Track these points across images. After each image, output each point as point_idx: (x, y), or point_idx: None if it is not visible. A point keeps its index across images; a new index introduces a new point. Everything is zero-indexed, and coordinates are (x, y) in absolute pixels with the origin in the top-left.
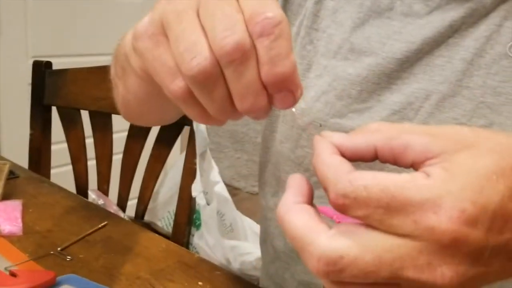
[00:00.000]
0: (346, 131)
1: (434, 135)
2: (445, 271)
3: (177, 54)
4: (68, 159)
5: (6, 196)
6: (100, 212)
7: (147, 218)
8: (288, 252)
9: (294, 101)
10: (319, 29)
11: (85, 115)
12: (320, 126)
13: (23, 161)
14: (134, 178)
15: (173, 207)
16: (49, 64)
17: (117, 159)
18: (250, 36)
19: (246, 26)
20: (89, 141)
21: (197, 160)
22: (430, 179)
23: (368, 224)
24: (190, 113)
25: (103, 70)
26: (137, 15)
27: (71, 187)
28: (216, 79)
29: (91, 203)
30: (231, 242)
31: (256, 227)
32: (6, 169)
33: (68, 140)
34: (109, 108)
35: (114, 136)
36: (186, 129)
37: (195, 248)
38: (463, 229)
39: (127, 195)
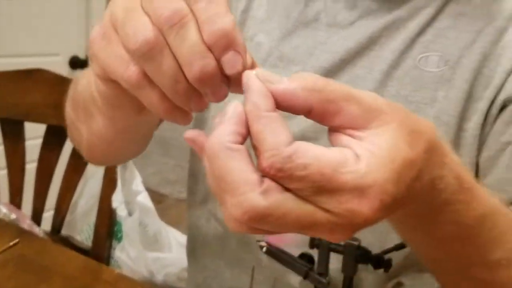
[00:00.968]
0: None
1: (364, 109)
2: (339, 237)
3: (124, 36)
4: None
5: None
6: (12, 229)
7: (64, 231)
8: (217, 260)
9: (242, 62)
10: (247, 38)
11: None
12: None
13: None
14: (50, 189)
15: (92, 219)
16: None
17: (30, 168)
18: (188, 5)
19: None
20: None
21: (118, 169)
22: (361, 164)
23: (295, 193)
24: (149, 100)
25: (16, 75)
26: (58, 17)
27: None
28: (162, 48)
29: (1, 219)
30: (155, 254)
31: (181, 237)
32: None
33: None
34: (21, 115)
35: (27, 143)
36: None
37: (117, 262)
38: (376, 215)
39: (42, 208)
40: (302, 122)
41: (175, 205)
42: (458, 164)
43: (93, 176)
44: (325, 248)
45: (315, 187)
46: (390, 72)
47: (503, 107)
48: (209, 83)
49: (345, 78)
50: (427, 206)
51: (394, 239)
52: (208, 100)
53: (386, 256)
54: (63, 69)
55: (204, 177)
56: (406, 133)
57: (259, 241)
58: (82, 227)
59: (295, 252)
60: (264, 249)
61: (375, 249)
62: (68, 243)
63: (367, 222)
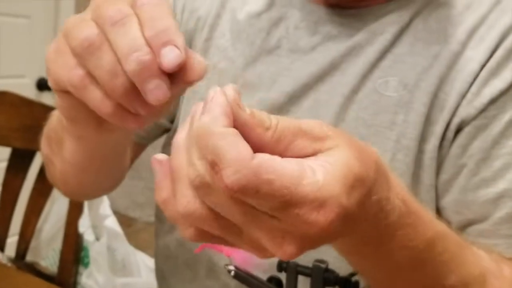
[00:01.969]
0: None
1: (313, 139)
2: (290, 249)
3: (69, 39)
4: None
5: None
6: None
7: (29, 257)
8: (187, 284)
9: (179, 55)
10: (210, 65)
11: None
12: None
13: None
14: (14, 214)
15: (58, 245)
16: None
17: None
18: (133, 8)
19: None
20: None
21: None
22: (318, 176)
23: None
24: (92, 100)
25: None
26: (25, 38)
27: None
28: (101, 43)
29: None
30: (123, 279)
31: (150, 261)
32: None
33: None
34: None
35: None
36: None
37: None
38: (330, 228)
39: (6, 233)
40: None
41: (144, 229)
42: (403, 188)
43: (59, 200)
44: (293, 271)
45: (278, 203)
46: (351, 96)
47: (458, 130)
48: (147, 78)
49: (307, 103)
50: (376, 230)
51: None
52: (149, 101)
53: (354, 278)
54: (30, 91)
55: None
56: (356, 151)
57: (227, 265)
58: (47, 252)
59: (263, 276)
60: (232, 273)
61: (342, 272)
62: (33, 269)
63: (321, 234)
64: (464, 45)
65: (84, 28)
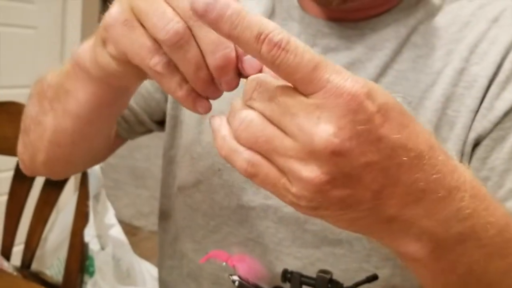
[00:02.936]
0: None
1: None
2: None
3: (152, 26)
4: None
5: None
6: None
7: (34, 266)
8: None
9: (259, 64)
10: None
11: None
12: (219, 170)
13: None
14: (20, 223)
15: (63, 254)
16: None
17: (0, 201)
18: None
19: None
20: None
21: (91, 202)
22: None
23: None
24: (169, 86)
25: None
26: (32, 48)
27: None
28: (189, 38)
29: None
30: None
31: (155, 270)
32: None
33: None
34: None
35: None
36: None
37: None
38: (343, 146)
39: (12, 242)
40: None
41: (149, 238)
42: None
43: (64, 209)
44: (297, 281)
45: (284, 111)
46: None
47: (475, 145)
48: (227, 72)
49: None
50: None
51: (366, 272)
52: (222, 89)
53: None
54: None
55: (176, 215)
56: None
57: (231, 275)
58: (52, 261)
59: (267, 286)
60: (237, 283)
61: (347, 282)
62: (39, 278)
63: (335, 153)
64: (467, 61)
65: (168, 19)
